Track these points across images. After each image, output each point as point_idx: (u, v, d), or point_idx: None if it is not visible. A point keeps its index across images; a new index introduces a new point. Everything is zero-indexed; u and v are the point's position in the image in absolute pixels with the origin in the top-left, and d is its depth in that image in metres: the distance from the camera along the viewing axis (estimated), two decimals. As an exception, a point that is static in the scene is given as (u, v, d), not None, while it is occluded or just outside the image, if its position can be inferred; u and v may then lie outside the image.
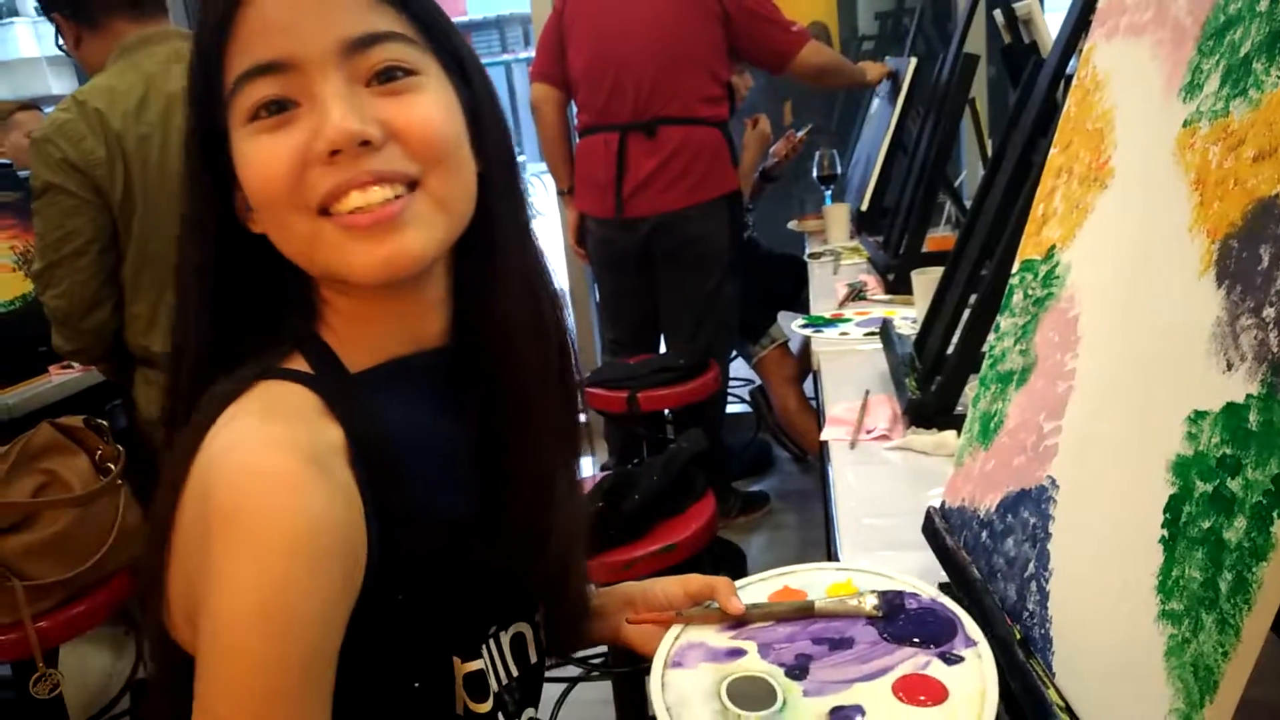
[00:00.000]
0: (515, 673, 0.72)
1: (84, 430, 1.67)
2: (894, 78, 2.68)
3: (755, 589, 0.77)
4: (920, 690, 0.63)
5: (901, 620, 0.70)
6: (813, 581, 0.77)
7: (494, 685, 0.69)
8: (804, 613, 0.72)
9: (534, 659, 0.75)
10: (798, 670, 0.66)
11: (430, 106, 0.62)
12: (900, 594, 0.73)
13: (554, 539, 0.75)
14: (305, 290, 0.66)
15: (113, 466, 1.64)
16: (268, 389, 0.60)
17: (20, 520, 1.53)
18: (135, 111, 1.68)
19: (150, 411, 1.80)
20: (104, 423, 1.71)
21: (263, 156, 0.59)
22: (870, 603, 0.72)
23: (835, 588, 0.76)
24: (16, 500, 1.53)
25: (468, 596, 0.67)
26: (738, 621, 0.72)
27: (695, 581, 0.77)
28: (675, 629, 0.73)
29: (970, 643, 0.67)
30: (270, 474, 0.54)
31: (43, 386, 2.19)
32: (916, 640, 0.68)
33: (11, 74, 10.68)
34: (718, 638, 0.71)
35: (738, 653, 0.69)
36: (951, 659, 0.65)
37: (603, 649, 1.72)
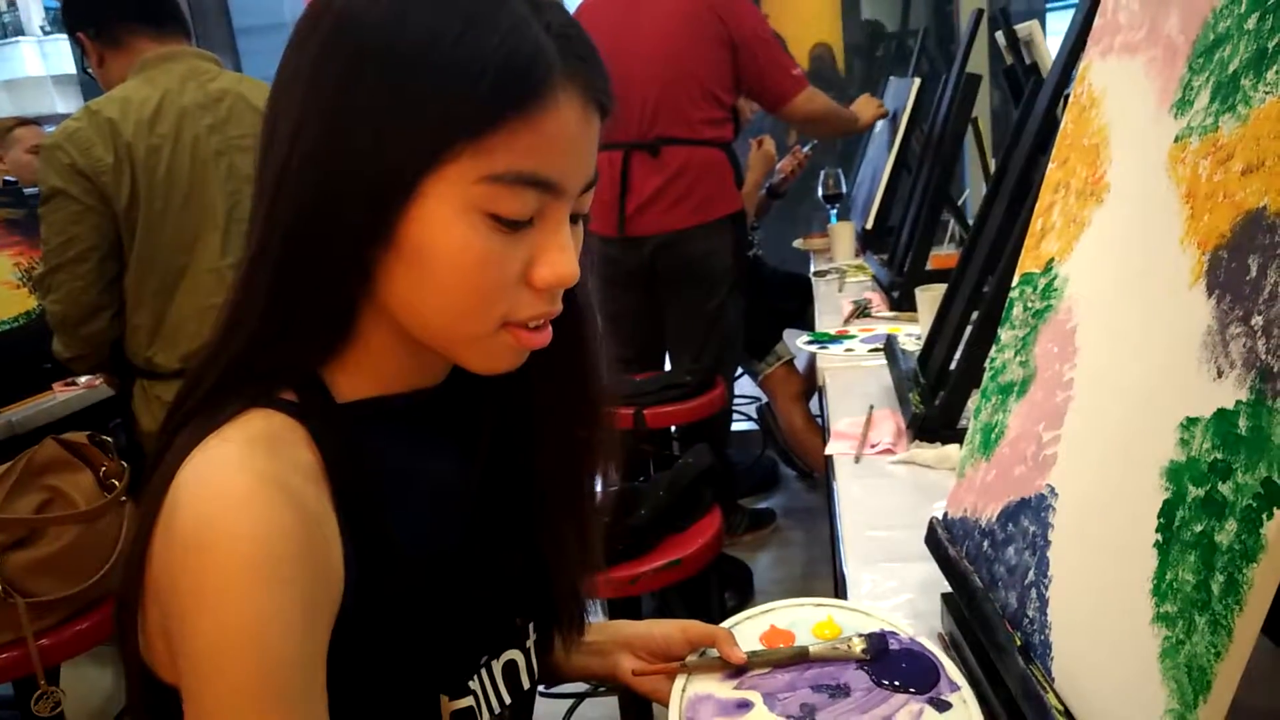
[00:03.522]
0: (508, 700, 0.72)
1: (88, 446, 1.66)
2: (893, 118, 2.69)
3: (744, 628, 0.82)
4: None
5: (888, 663, 0.75)
6: (796, 620, 0.82)
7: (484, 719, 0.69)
8: (799, 658, 0.76)
9: (526, 685, 0.75)
10: None
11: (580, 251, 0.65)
12: (883, 635, 0.78)
13: (560, 559, 0.76)
14: (338, 317, 0.63)
15: (117, 483, 1.62)
16: (250, 417, 0.59)
17: (23, 536, 1.51)
18: (149, 122, 1.72)
19: (148, 425, 1.81)
20: (108, 439, 1.70)
21: (492, 255, 0.59)
22: (859, 646, 0.76)
23: (819, 627, 0.81)
24: (20, 516, 1.51)
25: (455, 631, 0.67)
26: (737, 669, 0.76)
27: (696, 628, 0.80)
28: (681, 679, 0.76)
29: (954, 687, 0.72)
30: (227, 494, 0.54)
31: (47, 403, 2.19)
32: (905, 686, 0.72)
33: (17, 92, 10.72)
34: (722, 688, 0.75)
35: (746, 704, 0.72)
36: (941, 705, 0.70)
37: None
